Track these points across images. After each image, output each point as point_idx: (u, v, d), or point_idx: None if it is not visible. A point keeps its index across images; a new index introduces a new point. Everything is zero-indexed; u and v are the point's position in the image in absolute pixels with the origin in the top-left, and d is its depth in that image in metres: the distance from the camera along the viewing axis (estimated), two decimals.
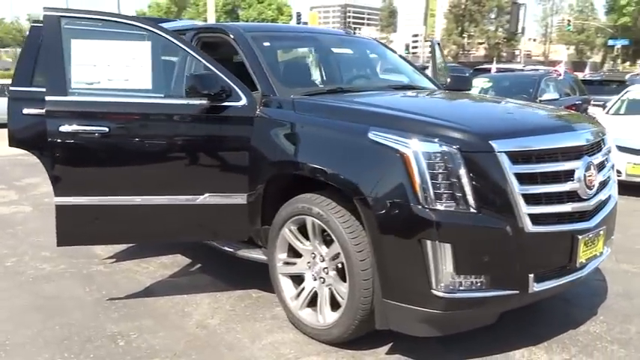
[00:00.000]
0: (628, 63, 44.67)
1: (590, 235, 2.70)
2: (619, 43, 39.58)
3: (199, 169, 3.17)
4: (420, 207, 2.41)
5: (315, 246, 2.86)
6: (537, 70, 12.75)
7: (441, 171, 2.42)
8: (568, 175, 2.64)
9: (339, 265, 2.78)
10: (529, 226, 2.48)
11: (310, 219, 2.81)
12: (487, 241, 2.45)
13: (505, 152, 2.47)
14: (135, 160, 3.14)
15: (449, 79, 4.27)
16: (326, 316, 2.82)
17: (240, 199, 3.16)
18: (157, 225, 3.23)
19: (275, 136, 3.02)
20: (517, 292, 2.52)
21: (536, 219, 2.51)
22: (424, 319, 2.51)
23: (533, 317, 3.12)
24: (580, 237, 2.64)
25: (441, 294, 2.42)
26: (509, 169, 2.46)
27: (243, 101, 3.14)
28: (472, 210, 2.41)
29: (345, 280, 2.73)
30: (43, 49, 3.07)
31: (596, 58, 52.06)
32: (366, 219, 2.53)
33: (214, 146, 3.16)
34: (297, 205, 2.86)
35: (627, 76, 12.27)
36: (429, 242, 2.39)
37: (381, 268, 2.53)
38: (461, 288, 2.44)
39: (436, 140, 2.45)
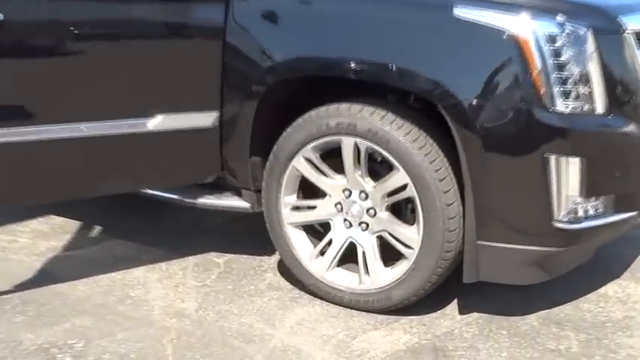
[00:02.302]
0: None
1: None
2: None
3: (147, 78, 2.63)
4: (543, 110, 2.22)
5: (354, 179, 2.53)
6: None
7: (567, 59, 2.23)
8: None
9: (389, 205, 2.53)
10: None
11: (351, 140, 2.47)
12: (620, 151, 2.39)
13: (633, 32, 2.38)
14: (49, 65, 2.49)
15: None
16: (379, 275, 2.56)
17: (208, 119, 2.71)
18: (89, 169, 2.63)
19: (278, 25, 2.64)
20: (635, 213, 2.50)
21: None
22: (536, 260, 2.41)
23: None
24: None
25: (564, 225, 2.31)
26: (638, 54, 2.37)
27: None
28: (601, 110, 2.30)
29: (411, 223, 2.49)
30: None
31: None
32: (461, 133, 2.28)
33: (167, 42, 2.68)
34: (325, 121, 2.49)
35: None
36: (553, 158, 2.24)
37: (479, 200, 2.33)
38: (583, 215, 2.36)
39: (558, 17, 2.25)
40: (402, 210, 2.57)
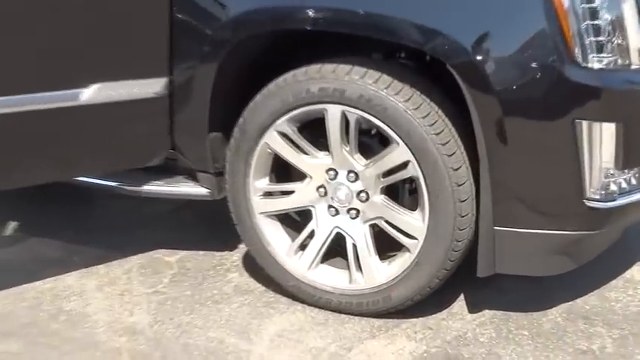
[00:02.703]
0: None
1: None
2: None
3: (76, 38, 2.38)
4: (573, 66, 2.10)
5: (341, 156, 2.38)
6: None
7: (600, 3, 2.11)
8: None
9: (384, 187, 2.40)
10: None
11: (338, 109, 2.31)
12: None
13: None
14: None
15: None
16: (374, 272, 2.43)
17: (155, 87, 2.52)
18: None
19: None
20: None
21: None
22: (563, 247, 2.32)
23: None
24: None
25: (596, 204, 2.21)
26: None
27: None
28: (637, 65, 2.19)
29: (411, 207, 2.38)
30: None
31: None
32: (474, 96, 2.15)
33: None
34: (305, 87, 2.33)
35: None
36: (584, 124, 2.12)
37: (497, 178, 2.21)
38: (617, 190, 2.26)
39: None
40: (398, 192, 2.46)
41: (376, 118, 2.27)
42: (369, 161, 2.37)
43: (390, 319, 2.47)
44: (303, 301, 2.56)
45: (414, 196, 2.39)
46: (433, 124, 2.23)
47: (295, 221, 2.60)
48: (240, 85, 2.51)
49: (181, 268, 2.85)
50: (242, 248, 2.89)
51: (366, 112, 2.27)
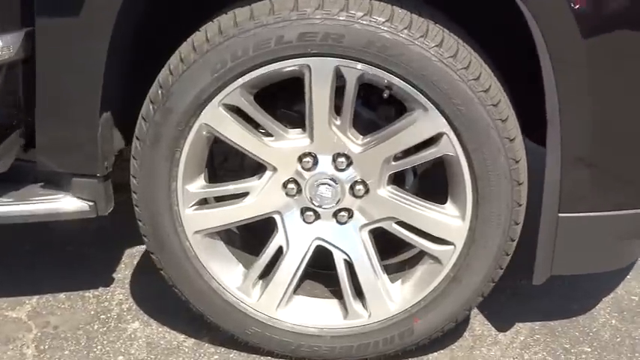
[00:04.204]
0: None
1: None
2: None
3: None
4: None
5: (326, 134, 2.05)
6: None
7: None
8: None
9: (392, 174, 2.13)
10: None
11: (328, 65, 1.95)
12: None
13: None
14: None
15: None
16: (385, 298, 2.19)
17: None
18: None
19: None
20: None
21: None
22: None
23: None
24: None
25: None
26: None
27: None
28: None
29: (440, 199, 2.12)
30: None
31: None
32: (545, 24, 1.88)
33: None
34: (274, 32, 1.93)
35: None
36: None
37: (571, 146, 2.01)
38: None
39: None
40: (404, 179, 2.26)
41: (394, 74, 1.95)
42: (370, 138, 2.07)
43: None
44: (270, 353, 2.25)
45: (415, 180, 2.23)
46: (478, 77, 1.97)
47: (247, 238, 2.28)
48: (158, 37, 2.16)
49: (44, 326, 2.38)
50: (123, 278, 2.53)
51: (377, 66, 1.95)
